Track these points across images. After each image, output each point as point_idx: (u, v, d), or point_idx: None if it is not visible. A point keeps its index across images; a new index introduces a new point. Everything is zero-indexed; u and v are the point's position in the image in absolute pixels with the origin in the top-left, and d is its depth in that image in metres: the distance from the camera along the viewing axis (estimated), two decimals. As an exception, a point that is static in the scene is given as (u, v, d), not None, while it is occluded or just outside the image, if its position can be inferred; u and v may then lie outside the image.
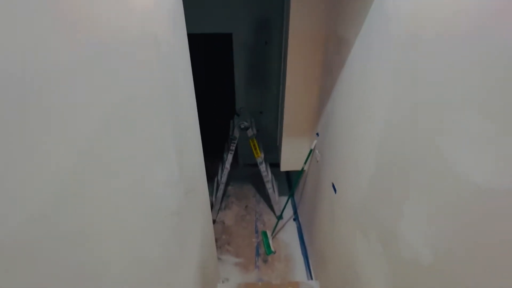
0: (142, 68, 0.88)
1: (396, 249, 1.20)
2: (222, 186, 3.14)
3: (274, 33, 3.32)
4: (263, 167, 3.06)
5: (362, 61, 1.49)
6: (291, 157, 2.84)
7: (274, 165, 4.11)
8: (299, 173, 2.78)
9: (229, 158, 2.97)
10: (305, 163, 2.69)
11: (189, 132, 1.52)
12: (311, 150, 2.56)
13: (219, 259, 2.85)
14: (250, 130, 2.82)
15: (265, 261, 2.87)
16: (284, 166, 2.91)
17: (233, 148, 2.91)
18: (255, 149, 2.92)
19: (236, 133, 2.83)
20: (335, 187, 1.97)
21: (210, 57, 5.92)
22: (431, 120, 0.93)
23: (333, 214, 2.03)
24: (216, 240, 3.02)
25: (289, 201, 3.68)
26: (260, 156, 2.98)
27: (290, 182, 4.02)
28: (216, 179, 3.38)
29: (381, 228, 1.31)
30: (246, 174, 4.18)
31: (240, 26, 3.27)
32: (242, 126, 2.77)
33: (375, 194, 1.35)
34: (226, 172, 3.06)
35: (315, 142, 2.48)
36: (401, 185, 1.13)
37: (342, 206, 1.84)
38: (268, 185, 3.18)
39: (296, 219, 3.37)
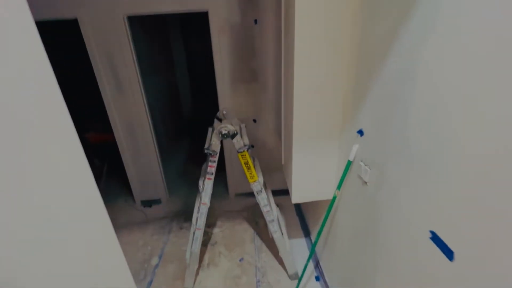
0: None
1: None
2: (199, 234, 1.89)
3: (266, 7, 2.30)
4: (263, 198, 1.85)
5: None
6: (309, 179, 1.65)
7: (280, 192, 2.90)
8: (330, 204, 1.57)
9: (207, 186, 1.77)
10: (338, 187, 1.49)
11: None
12: (349, 163, 1.38)
13: None
14: (238, 138, 1.66)
15: None
16: (298, 195, 1.71)
17: (213, 170, 1.72)
18: (249, 168, 1.74)
19: (215, 145, 1.66)
20: (450, 247, 0.77)
21: (188, 44, 4.81)
22: None
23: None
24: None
25: (306, 244, 2.42)
26: (257, 181, 1.79)
27: (303, 215, 2.78)
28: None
29: None
30: (240, 208, 2.94)
31: (218, 0, 2.25)
32: (224, 132, 1.60)
33: None
34: (204, 210, 1.84)
35: (355, 148, 1.32)
36: None
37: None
38: (273, 227, 1.94)
39: (319, 277, 2.09)
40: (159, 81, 3.69)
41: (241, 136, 1.71)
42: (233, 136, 1.63)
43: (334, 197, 1.52)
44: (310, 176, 1.64)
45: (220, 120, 1.89)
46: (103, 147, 3.31)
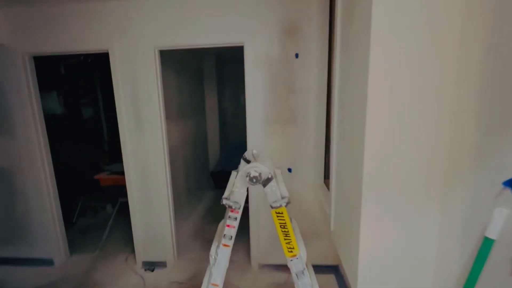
0: None
1: None
2: (202, 336, 1.18)
3: (310, 38, 1.98)
4: (305, 285, 1.15)
5: None
6: (389, 262, 0.97)
7: (321, 269, 2.14)
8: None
9: (222, 257, 1.14)
10: (469, 286, 0.79)
11: None
12: (488, 244, 0.71)
13: None
14: (274, 186, 1.09)
15: None
16: (368, 288, 1.00)
17: (232, 232, 1.12)
18: (286, 235, 1.11)
19: (239, 194, 1.10)
20: None
21: (222, 89, 4.64)
22: None
23: None
24: None
25: None
26: (298, 256, 1.13)
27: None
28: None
29: None
30: (266, 286, 2.16)
31: (256, 33, 1.99)
32: (254, 174, 1.06)
33: None
34: (214, 295, 1.17)
35: (502, 214, 0.68)
36: None
37: None
38: (320, 336, 1.17)
39: None
40: (186, 124, 3.41)
41: (277, 183, 1.14)
42: (266, 181, 1.08)
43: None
44: (391, 257, 0.96)
45: (248, 162, 1.37)
46: (118, 190, 2.89)
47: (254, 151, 1.40)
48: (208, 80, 4.37)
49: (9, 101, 2.22)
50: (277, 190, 1.09)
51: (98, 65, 3.42)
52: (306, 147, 2.11)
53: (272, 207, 1.09)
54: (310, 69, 2.01)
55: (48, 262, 2.50)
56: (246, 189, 1.12)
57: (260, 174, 1.05)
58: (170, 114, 2.83)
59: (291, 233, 1.12)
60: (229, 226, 1.10)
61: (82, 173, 3.20)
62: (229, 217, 1.10)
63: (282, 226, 1.11)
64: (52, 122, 3.29)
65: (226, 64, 4.63)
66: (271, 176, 1.09)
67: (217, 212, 3.32)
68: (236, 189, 1.10)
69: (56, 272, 2.44)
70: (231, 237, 1.13)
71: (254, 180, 1.05)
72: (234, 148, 4.29)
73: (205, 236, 2.85)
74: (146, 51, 2.08)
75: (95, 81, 3.64)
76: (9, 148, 2.29)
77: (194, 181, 3.66)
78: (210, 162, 4.48)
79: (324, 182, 2.06)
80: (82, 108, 3.58)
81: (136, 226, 2.38)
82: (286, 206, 1.09)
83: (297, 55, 2.01)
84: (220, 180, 4.14)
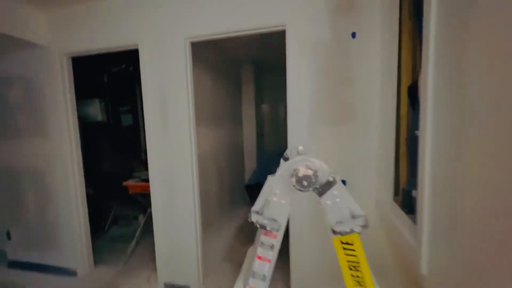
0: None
1: None
2: None
3: (372, 12, 1.53)
4: None
5: None
6: None
7: None
8: None
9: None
10: None
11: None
12: None
13: None
14: (338, 193, 0.64)
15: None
16: None
17: (267, 266, 0.68)
18: (358, 283, 0.63)
19: (278, 206, 0.67)
20: None
21: (260, 88, 4.30)
22: None
23: None
24: None
25: None
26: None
27: None
28: None
29: None
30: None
31: (300, 10, 1.62)
32: (306, 173, 0.62)
33: None
34: None
35: None
36: None
37: None
38: None
39: None
40: (220, 132, 3.12)
41: (341, 191, 0.68)
42: (326, 187, 0.63)
43: None
44: None
45: (286, 159, 0.93)
46: (148, 198, 2.66)
47: (300, 147, 0.96)
48: (246, 89, 4.12)
49: (45, 102, 2.16)
50: (344, 204, 0.63)
51: (139, 74, 3.39)
52: (366, 153, 1.60)
53: (334, 233, 0.63)
54: (373, 52, 1.54)
55: (72, 273, 2.31)
56: (289, 199, 0.68)
57: (315, 172, 0.61)
58: (203, 119, 2.57)
59: (367, 280, 0.63)
60: (261, 259, 0.67)
61: (117, 181, 3.08)
62: (262, 243, 0.67)
63: (352, 267, 0.63)
64: (93, 129, 3.31)
65: (265, 73, 4.37)
66: (333, 179, 0.64)
67: (252, 231, 2.87)
68: (274, 198, 0.67)
69: (77, 285, 2.22)
70: (264, 276, 0.69)
71: (305, 183, 0.61)
72: (272, 161, 3.86)
73: (237, 259, 2.41)
74: (175, 43, 1.84)
75: (135, 89, 3.62)
76: (43, 150, 2.22)
77: (226, 194, 3.30)
78: (245, 174, 4.11)
79: (394, 200, 1.50)
80: (122, 115, 3.56)
81: (159, 241, 2.06)
82: (360, 233, 0.62)
83: (353, 35, 1.56)
84: (255, 194, 3.72)
